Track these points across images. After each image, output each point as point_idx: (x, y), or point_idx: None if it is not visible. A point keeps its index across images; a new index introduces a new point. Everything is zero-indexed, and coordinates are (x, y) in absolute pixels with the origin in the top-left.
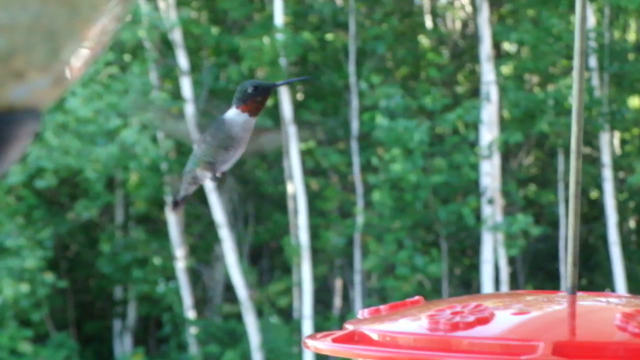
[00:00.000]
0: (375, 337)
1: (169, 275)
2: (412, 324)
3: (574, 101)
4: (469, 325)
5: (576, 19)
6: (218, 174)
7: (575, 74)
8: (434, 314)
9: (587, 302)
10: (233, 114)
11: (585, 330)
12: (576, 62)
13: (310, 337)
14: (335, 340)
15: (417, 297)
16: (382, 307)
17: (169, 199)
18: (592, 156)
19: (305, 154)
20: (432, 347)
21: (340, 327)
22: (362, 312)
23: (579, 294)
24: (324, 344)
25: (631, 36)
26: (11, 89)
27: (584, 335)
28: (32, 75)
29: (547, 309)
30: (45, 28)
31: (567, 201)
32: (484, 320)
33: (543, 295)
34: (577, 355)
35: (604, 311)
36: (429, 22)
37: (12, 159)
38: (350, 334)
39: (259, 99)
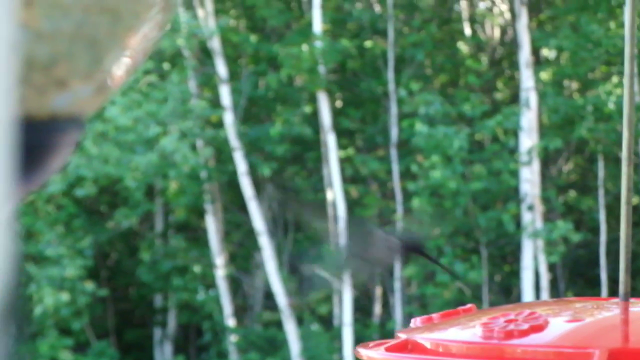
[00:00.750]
0: (428, 345)
1: (209, 283)
2: (466, 332)
3: (624, 106)
4: (524, 333)
5: (625, 22)
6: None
7: (625, 79)
8: (488, 322)
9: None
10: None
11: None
12: (627, 67)
13: (363, 345)
14: (388, 350)
15: (469, 305)
16: (434, 315)
17: (208, 207)
18: (635, 162)
19: (344, 162)
20: (486, 355)
21: (381, 335)
22: (414, 321)
23: (632, 300)
24: (377, 353)
25: None
26: (54, 97)
27: (639, 342)
28: (75, 83)
29: (600, 316)
30: (88, 36)
31: (607, 207)
32: (538, 328)
33: (595, 302)
34: None
35: None
36: (467, 29)
37: (55, 167)
38: (404, 342)
39: (413, 250)
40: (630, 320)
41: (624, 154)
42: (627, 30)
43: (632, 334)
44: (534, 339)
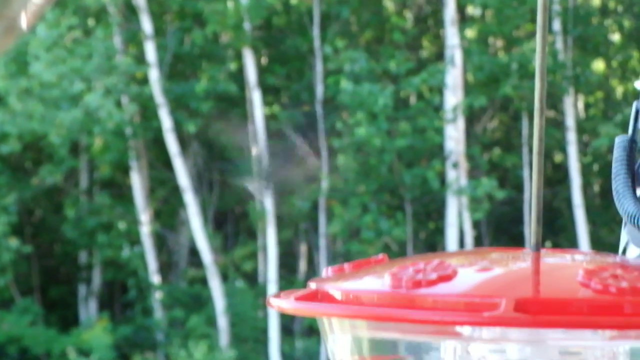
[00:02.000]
0: (338, 295)
1: (134, 240)
2: (375, 282)
3: (537, 58)
4: (432, 283)
5: None
6: None
7: (538, 32)
8: (397, 271)
9: (551, 259)
10: None
11: (548, 287)
12: (539, 19)
13: (274, 296)
14: (298, 299)
15: (381, 256)
16: (345, 265)
17: (133, 164)
18: (557, 120)
19: (269, 119)
20: (394, 304)
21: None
22: (326, 271)
23: (543, 251)
24: (287, 303)
25: (594, 0)
26: None
27: (546, 292)
28: None
29: (510, 266)
30: None
31: (531, 165)
32: (446, 278)
33: (507, 253)
34: (539, 311)
35: (567, 268)
36: None
37: None
38: (314, 292)
39: None
40: (539, 270)
41: (536, 104)
42: None
43: (540, 284)
44: (442, 288)
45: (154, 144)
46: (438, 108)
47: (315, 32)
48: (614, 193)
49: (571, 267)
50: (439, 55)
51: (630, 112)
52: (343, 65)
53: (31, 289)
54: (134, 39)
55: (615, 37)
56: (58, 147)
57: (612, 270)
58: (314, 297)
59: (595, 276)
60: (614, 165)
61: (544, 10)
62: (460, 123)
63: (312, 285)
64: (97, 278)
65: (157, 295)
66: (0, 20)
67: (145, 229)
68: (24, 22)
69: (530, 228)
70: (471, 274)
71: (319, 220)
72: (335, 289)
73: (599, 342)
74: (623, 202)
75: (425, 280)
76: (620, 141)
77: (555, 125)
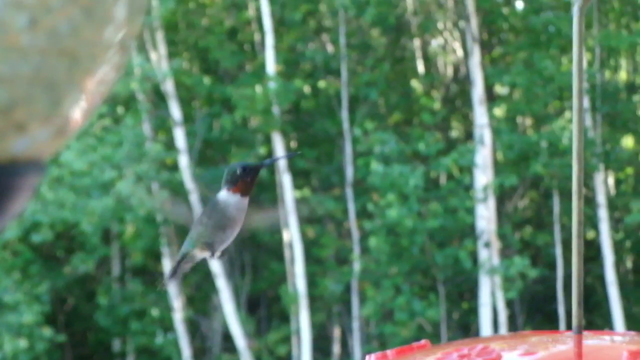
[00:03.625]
0: None
1: (167, 326)
2: None
3: (574, 140)
4: None
5: (573, 58)
6: (217, 254)
7: (574, 115)
8: (441, 357)
9: (593, 341)
10: (225, 195)
11: None
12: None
13: None
14: None
15: (423, 341)
16: (388, 351)
17: (164, 250)
18: (588, 197)
19: (300, 202)
20: None
21: None
22: (369, 357)
23: (584, 333)
24: None
25: (622, 76)
26: (13, 141)
27: None
28: (34, 126)
29: (553, 349)
30: (46, 79)
31: (563, 242)
32: None
33: (548, 336)
34: None
35: (610, 350)
36: (420, 67)
37: (15, 212)
38: None
39: (248, 180)
40: (583, 353)
41: (574, 187)
42: (574, 66)
43: None
44: None
45: (185, 230)
46: (468, 188)
47: (344, 114)
48: None
49: (614, 348)
50: (468, 135)
51: None
52: (373, 147)
53: None
54: (163, 125)
55: None
56: (90, 235)
57: None
58: None
59: (639, 357)
60: None
61: (579, 93)
62: (491, 202)
63: None
64: None
65: None
66: (50, 124)
67: (178, 316)
68: (72, 124)
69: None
70: (515, 357)
71: (351, 302)
72: None
73: None
74: None
75: None
76: None
77: (587, 203)
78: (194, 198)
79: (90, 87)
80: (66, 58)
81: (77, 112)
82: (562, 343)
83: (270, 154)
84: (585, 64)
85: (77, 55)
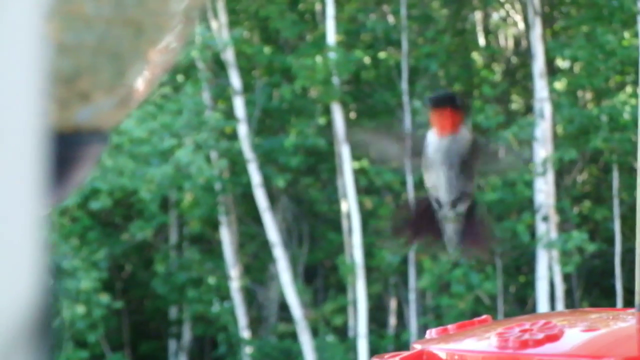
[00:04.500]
0: (444, 356)
1: (224, 295)
2: (481, 342)
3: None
4: (539, 343)
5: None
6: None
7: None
8: (503, 332)
9: None
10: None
11: None
12: None
13: (378, 357)
14: None
15: (485, 316)
16: (449, 326)
17: (222, 219)
18: None
19: (358, 173)
20: None
21: (396, 347)
22: (429, 332)
23: None
24: None
25: None
26: (77, 110)
27: None
28: (98, 96)
29: (615, 326)
30: (111, 49)
31: (622, 217)
32: (553, 338)
33: (610, 313)
34: None
35: None
36: (481, 40)
37: (80, 179)
38: (419, 353)
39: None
40: None
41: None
42: None
43: None
44: (549, 348)
45: (243, 199)
46: (528, 161)
47: (404, 86)
48: None
49: None
50: (528, 108)
51: None
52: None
53: (122, 344)
54: (222, 94)
55: None
56: (148, 202)
57: None
58: (420, 358)
59: None
60: None
61: None
62: (550, 176)
63: (417, 346)
64: (187, 333)
65: (247, 351)
66: (114, 93)
67: (235, 284)
68: (137, 94)
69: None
70: (577, 333)
71: (408, 274)
72: (441, 350)
73: None
74: None
75: (533, 340)
76: None
77: None
78: (253, 167)
79: (155, 58)
80: (131, 28)
81: (141, 82)
82: (624, 320)
83: (329, 124)
84: None
85: (142, 25)
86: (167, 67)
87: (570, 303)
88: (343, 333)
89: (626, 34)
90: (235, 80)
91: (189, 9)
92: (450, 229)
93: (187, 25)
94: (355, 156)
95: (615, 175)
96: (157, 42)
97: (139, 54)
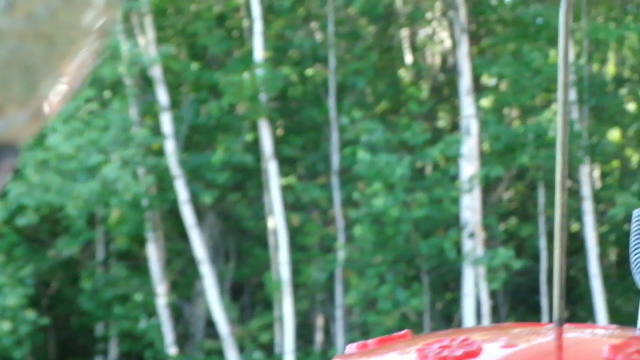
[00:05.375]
0: None
1: (151, 311)
2: (401, 358)
3: (558, 134)
4: (458, 359)
5: (559, 51)
6: None
7: (559, 107)
8: (423, 348)
9: (574, 334)
10: None
11: None
12: (560, 96)
13: None
14: None
15: (405, 331)
16: (370, 341)
17: (149, 235)
18: (573, 189)
19: (286, 189)
20: None
21: None
22: (350, 347)
23: (566, 326)
24: None
25: (610, 69)
26: None
27: None
28: (10, 110)
29: (535, 342)
30: (23, 63)
31: (548, 234)
32: (472, 354)
33: (530, 328)
34: None
35: (591, 343)
36: (409, 57)
37: None
38: None
39: None
40: (564, 346)
41: (558, 180)
42: (560, 59)
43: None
44: None
45: (171, 215)
46: (454, 178)
47: (332, 102)
48: (632, 266)
49: (595, 342)
50: (456, 126)
51: None
52: (359, 136)
53: None
54: (150, 110)
55: (631, 106)
56: (75, 219)
57: (637, 346)
58: None
59: (620, 352)
60: (632, 238)
61: (565, 87)
62: (477, 193)
63: None
64: (114, 350)
65: None
66: (27, 107)
67: (162, 301)
68: (50, 108)
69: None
70: (496, 350)
71: (335, 291)
72: None
73: None
74: None
75: (452, 357)
76: (638, 213)
77: (572, 195)
78: (180, 183)
79: (69, 72)
80: (44, 42)
81: (55, 96)
82: (543, 335)
83: (257, 141)
84: (572, 57)
85: (54, 40)
86: (80, 81)
87: (496, 320)
88: (270, 350)
89: (552, 52)
90: (162, 96)
91: (103, 24)
92: None
93: (102, 40)
94: (283, 172)
95: (542, 192)
96: (70, 56)
97: (52, 68)
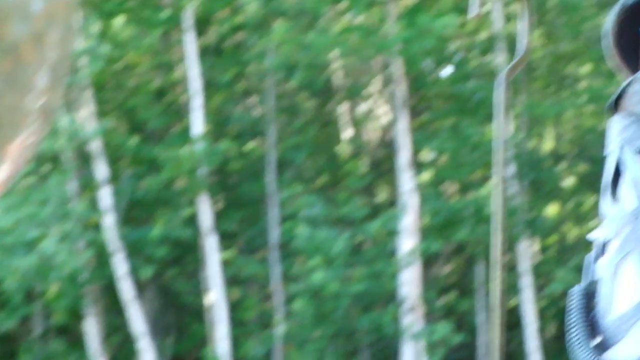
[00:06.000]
0: None
1: None
2: None
3: (495, 212)
4: None
5: (495, 127)
6: None
7: (496, 185)
8: None
9: None
10: None
11: None
12: (497, 174)
13: None
14: None
15: None
16: None
17: (88, 310)
18: (511, 264)
19: (225, 264)
20: None
21: None
22: None
23: None
24: None
25: (547, 144)
26: None
27: None
28: None
29: None
30: None
31: (487, 308)
32: None
33: None
34: None
35: None
36: (348, 132)
37: None
38: None
39: None
40: None
41: (495, 257)
42: (497, 138)
43: None
44: None
45: (109, 290)
46: (393, 252)
47: (271, 177)
48: (569, 344)
49: None
50: (395, 200)
51: (584, 257)
52: (299, 211)
53: None
54: (89, 184)
55: (569, 181)
56: (13, 293)
57: None
58: None
59: None
60: (570, 315)
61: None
62: (416, 267)
63: None
64: None
65: None
66: None
67: None
68: None
69: None
70: None
71: None
72: None
73: None
74: (579, 354)
75: None
76: (575, 291)
77: (510, 270)
78: (119, 258)
79: (12, 153)
80: None
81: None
82: None
83: (195, 215)
84: (511, 132)
85: None
86: (24, 162)
87: None
88: None
89: (490, 127)
90: (101, 170)
91: (46, 105)
92: None
93: (45, 121)
94: (223, 246)
95: (480, 267)
96: (13, 138)
97: None
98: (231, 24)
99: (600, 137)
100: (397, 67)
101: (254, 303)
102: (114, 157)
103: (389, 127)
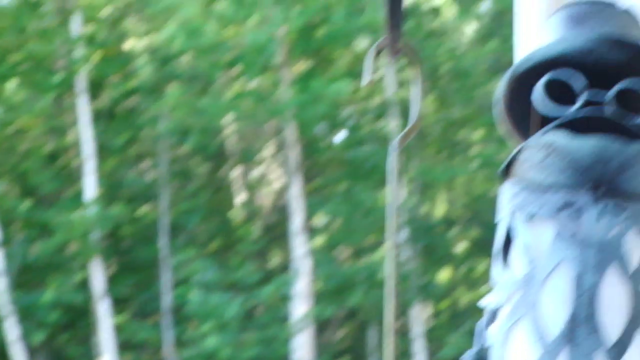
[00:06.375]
0: None
1: None
2: None
3: (388, 277)
4: None
5: (387, 194)
6: None
7: (389, 250)
8: None
9: None
10: None
11: None
12: (390, 238)
13: None
14: None
15: None
16: None
17: None
18: (404, 329)
19: (117, 329)
20: None
21: None
22: None
23: None
24: None
25: (440, 209)
26: None
27: None
28: None
29: None
30: None
31: None
32: None
33: None
34: None
35: None
36: (241, 196)
37: None
38: None
39: None
40: None
41: (388, 322)
42: (389, 205)
43: None
44: None
45: (0, 354)
46: (286, 318)
47: (163, 241)
48: None
49: None
50: (288, 264)
51: (476, 322)
52: (191, 275)
53: None
54: None
55: (461, 246)
56: None
57: None
58: None
59: None
60: None
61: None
62: (309, 332)
63: None
64: None
65: None
66: None
67: None
68: None
69: None
70: None
71: None
72: None
73: None
74: None
75: None
76: (466, 357)
77: (402, 335)
78: (10, 322)
79: None
80: None
81: None
82: None
83: (87, 279)
84: (404, 197)
85: None
86: None
87: None
88: None
89: (382, 193)
90: None
91: None
92: None
93: None
94: (115, 311)
95: (373, 332)
96: None
97: None
98: (124, 87)
99: (492, 203)
100: (291, 132)
101: None
102: (5, 221)
103: (282, 191)
